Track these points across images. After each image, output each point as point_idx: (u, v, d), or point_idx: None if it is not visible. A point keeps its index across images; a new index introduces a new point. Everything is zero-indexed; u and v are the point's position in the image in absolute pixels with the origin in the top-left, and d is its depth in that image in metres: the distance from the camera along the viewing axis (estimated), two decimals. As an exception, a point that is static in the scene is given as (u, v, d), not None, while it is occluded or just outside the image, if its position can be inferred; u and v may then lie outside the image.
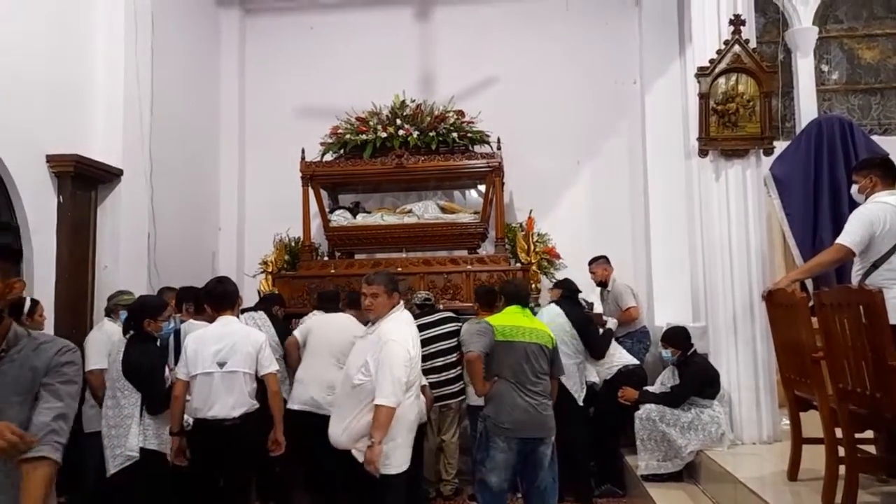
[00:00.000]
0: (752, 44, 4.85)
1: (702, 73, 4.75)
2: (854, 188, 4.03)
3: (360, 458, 3.24)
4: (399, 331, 3.36)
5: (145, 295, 4.30)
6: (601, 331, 5.27)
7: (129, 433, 3.59)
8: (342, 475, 3.71)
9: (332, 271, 6.46)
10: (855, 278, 3.77)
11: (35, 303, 4.04)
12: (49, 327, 4.34)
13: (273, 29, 7.73)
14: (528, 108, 7.17)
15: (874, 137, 5.70)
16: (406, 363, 3.29)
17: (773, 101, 4.86)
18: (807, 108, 6.12)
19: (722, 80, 4.74)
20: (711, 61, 4.75)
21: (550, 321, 4.84)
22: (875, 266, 3.61)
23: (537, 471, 3.77)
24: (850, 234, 3.64)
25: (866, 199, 3.85)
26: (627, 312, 5.99)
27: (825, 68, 7.13)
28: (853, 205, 5.11)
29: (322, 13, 7.67)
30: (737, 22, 4.74)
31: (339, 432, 3.34)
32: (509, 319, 3.89)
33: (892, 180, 3.80)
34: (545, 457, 3.76)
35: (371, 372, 3.23)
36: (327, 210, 6.87)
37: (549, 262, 6.52)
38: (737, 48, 4.72)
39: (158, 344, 3.92)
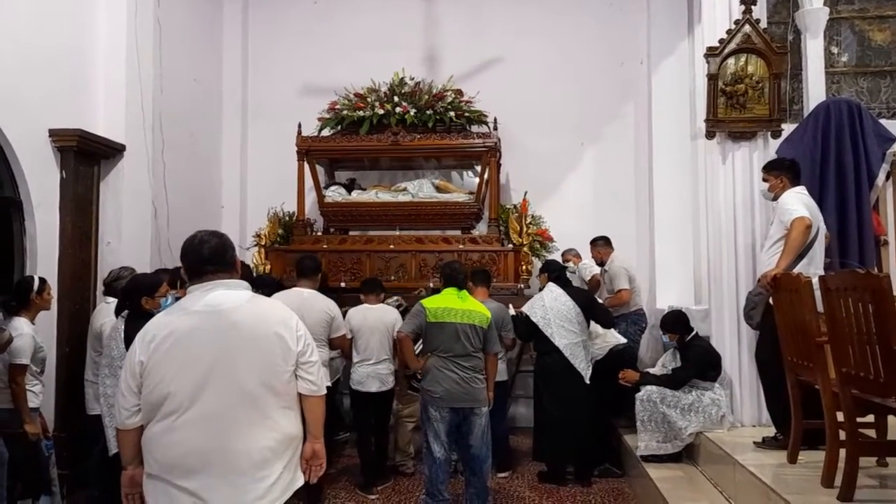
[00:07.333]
0: (763, 24, 4.79)
1: (711, 53, 4.70)
2: (764, 187, 4.20)
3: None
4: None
5: (139, 274, 4.27)
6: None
7: None
8: None
9: (325, 246, 6.51)
10: (766, 259, 3.96)
11: (43, 281, 4.05)
12: (53, 303, 4.32)
13: (276, 3, 7.64)
14: (532, 89, 7.11)
15: (882, 121, 5.61)
16: None
17: (781, 82, 4.80)
18: (815, 90, 6.03)
19: (731, 60, 4.69)
20: (721, 41, 4.69)
21: (554, 305, 4.93)
22: (800, 256, 3.84)
23: (469, 438, 4.07)
24: (799, 210, 3.84)
25: (775, 198, 4.07)
26: (618, 296, 5.94)
27: (835, 50, 7.04)
28: (859, 189, 5.14)
29: (326, -13, 7.57)
30: (748, 1, 4.67)
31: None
32: (442, 302, 4.14)
33: (799, 181, 4.07)
34: (477, 426, 4.05)
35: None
36: (323, 186, 6.87)
37: (542, 244, 6.50)
38: (747, 28, 4.65)
39: None
